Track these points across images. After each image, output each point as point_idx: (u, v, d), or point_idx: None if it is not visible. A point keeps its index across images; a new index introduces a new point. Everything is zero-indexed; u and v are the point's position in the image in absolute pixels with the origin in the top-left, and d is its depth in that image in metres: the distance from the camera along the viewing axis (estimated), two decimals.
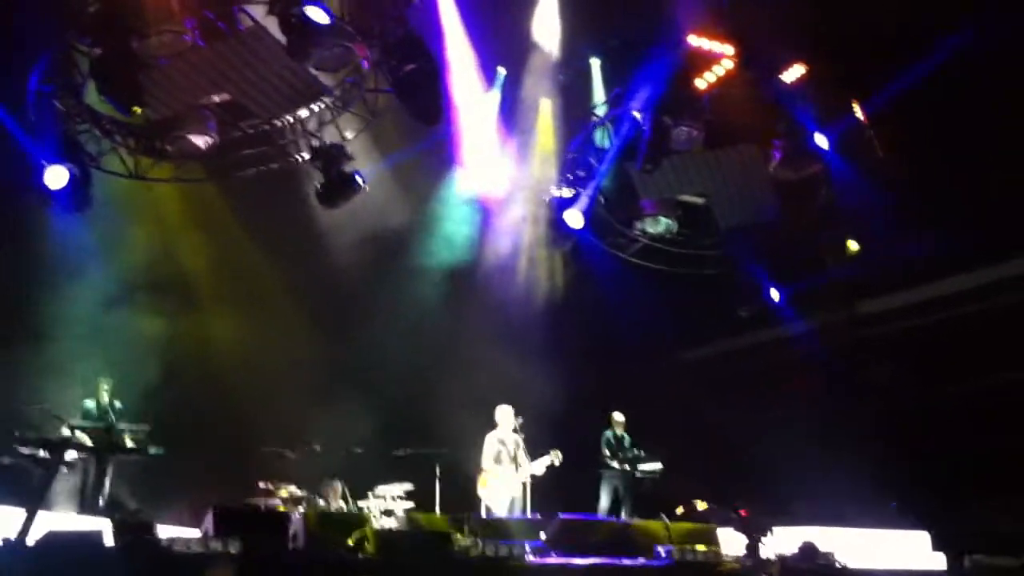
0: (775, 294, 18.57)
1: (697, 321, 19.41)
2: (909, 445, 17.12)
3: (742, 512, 14.22)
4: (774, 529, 13.36)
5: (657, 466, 15.77)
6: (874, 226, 17.68)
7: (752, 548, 12.98)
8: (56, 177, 13.65)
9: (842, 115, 17.16)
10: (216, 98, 15.03)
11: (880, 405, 18.19)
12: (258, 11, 14.22)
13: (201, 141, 14.91)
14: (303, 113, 15.93)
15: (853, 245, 17.71)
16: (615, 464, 15.80)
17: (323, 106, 15.92)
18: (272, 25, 13.96)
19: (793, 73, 16.79)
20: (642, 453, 15.83)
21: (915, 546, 15.09)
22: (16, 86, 13.66)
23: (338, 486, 14.69)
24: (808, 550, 12.43)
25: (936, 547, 15.00)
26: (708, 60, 16.54)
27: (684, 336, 19.92)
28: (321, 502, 14.26)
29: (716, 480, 16.20)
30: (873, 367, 18.81)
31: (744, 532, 13.49)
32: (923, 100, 15.86)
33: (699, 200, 18.23)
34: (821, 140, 16.76)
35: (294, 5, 13.29)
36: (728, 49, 16.45)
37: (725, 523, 14.07)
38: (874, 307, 19.32)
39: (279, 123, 15.99)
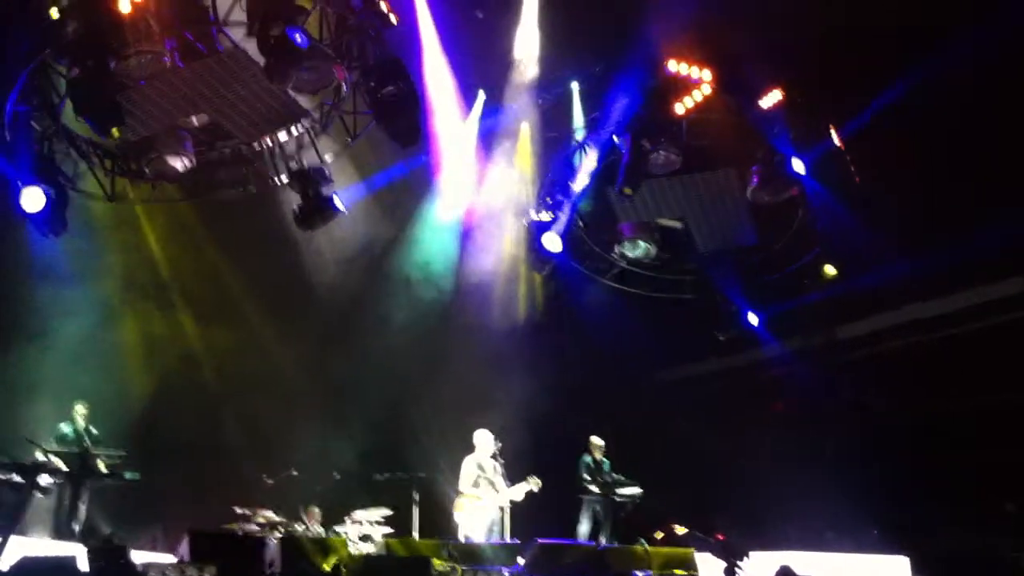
0: (753, 318, 18.57)
1: (676, 345, 19.42)
2: (888, 468, 17.14)
3: (719, 536, 14.20)
4: (752, 553, 13.32)
5: (636, 490, 15.77)
6: (851, 250, 17.71)
7: (730, 572, 12.92)
8: (32, 199, 13.55)
9: (819, 140, 17.22)
10: (194, 119, 15.01)
11: (859, 428, 18.21)
12: (237, 33, 14.15)
13: (178, 162, 14.88)
14: (282, 135, 15.91)
15: (830, 269, 17.75)
16: (594, 488, 15.77)
17: (302, 128, 15.90)
18: (251, 47, 13.90)
19: (771, 98, 16.83)
20: (621, 477, 15.82)
21: (894, 570, 15.06)
22: None
23: (316, 511, 14.62)
24: (784, 574, 12.38)
25: (915, 571, 14.99)
26: (686, 85, 16.56)
27: (663, 359, 19.92)
28: (298, 527, 14.15)
29: (695, 503, 16.20)
30: (852, 390, 18.84)
31: (722, 556, 13.43)
32: (899, 123, 15.96)
33: (677, 224, 18.24)
34: (798, 165, 16.80)
35: (273, 27, 13.19)
36: (706, 74, 16.49)
37: (703, 547, 14.02)
38: (852, 330, 19.35)
39: (257, 145, 15.97)
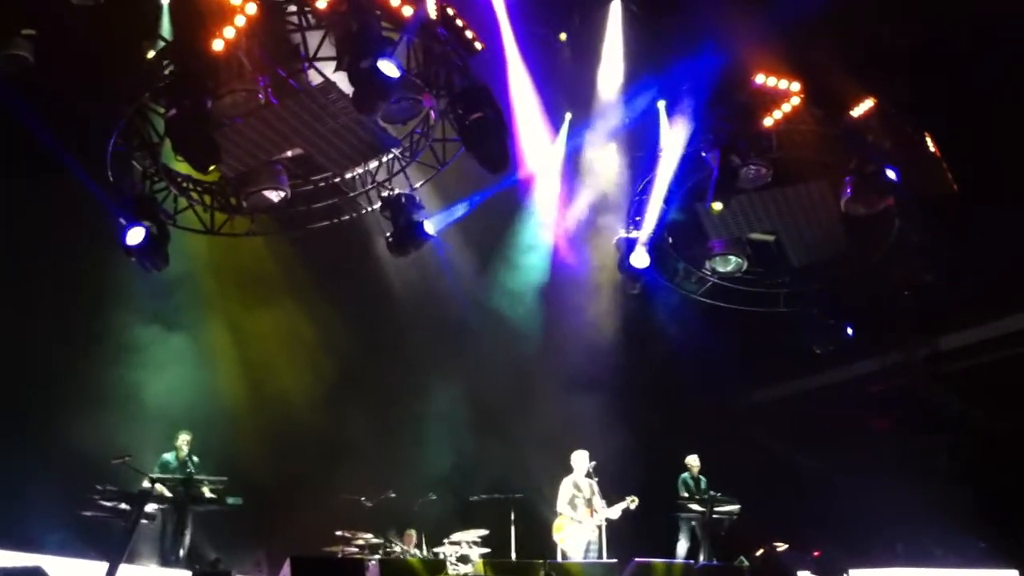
0: (848, 330, 18.29)
1: (772, 361, 19.21)
2: (996, 481, 16.73)
3: (815, 553, 14.07)
4: (850, 570, 13.18)
5: (735, 507, 15.67)
6: (950, 258, 17.37)
7: None
8: (134, 236, 14.08)
9: (913, 148, 16.93)
10: (288, 153, 15.39)
11: (963, 441, 17.81)
12: (327, 67, 14.49)
13: (274, 195, 15.24)
14: (372, 164, 16.27)
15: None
16: (693, 506, 15.73)
17: (392, 157, 16.22)
18: (341, 80, 14.23)
19: (862, 107, 16.63)
20: (719, 495, 15.74)
21: None
22: (95, 147, 14.15)
23: (412, 534, 14.83)
24: None
25: None
26: (774, 98, 16.49)
27: (759, 375, 19.73)
28: (397, 549, 14.37)
29: (794, 521, 15.99)
30: (956, 402, 18.43)
31: (818, 573, 13.32)
32: (996, 127, 15.65)
33: (769, 238, 18.08)
34: (891, 174, 16.54)
35: (362, 60, 13.46)
36: (795, 86, 16.38)
37: (800, 565, 13.91)
38: (952, 342, 18.95)
39: (349, 175, 16.35)
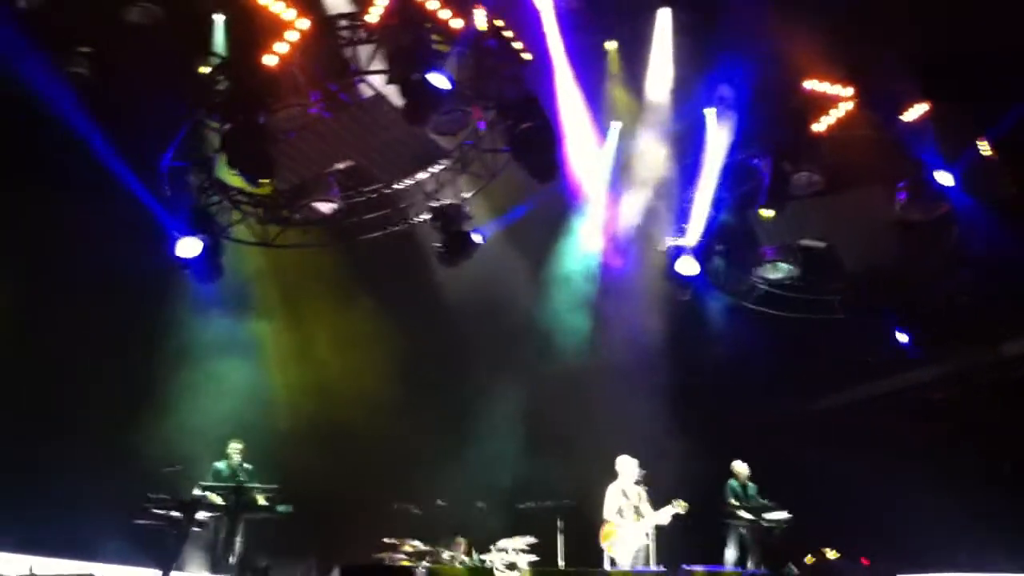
0: (903, 338, 18.12)
1: (824, 368, 19.06)
2: None
3: (864, 561, 14.00)
4: None
5: (784, 515, 15.59)
6: (1009, 263, 17.12)
7: None
8: (189, 248, 14.45)
9: (968, 152, 16.73)
10: (340, 165, 15.65)
11: (1021, 449, 17.53)
12: (377, 80, 14.71)
13: (326, 207, 15.57)
14: (422, 175, 16.47)
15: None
16: (742, 514, 15.70)
17: (442, 168, 16.42)
18: (391, 92, 14.45)
19: (915, 111, 16.46)
20: (768, 502, 15.69)
21: None
22: (151, 163, 14.53)
23: (462, 541, 14.97)
24: None
25: None
26: (826, 103, 16.40)
27: (811, 384, 19.58)
28: (445, 556, 14.52)
29: (843, 530, 15.89)
30: (1011, 411, 18.13)
31: None
32: None
33: (821, 244, 17.96)
34: (947, 179, 16.35)
35: (413, 72, 13.65)
36: (847, 91, 16.28)
37: (850, 573, 13.86)
38: (1011, 349, 18.65)
39: (399, 186, 16.57)
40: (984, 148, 16.78)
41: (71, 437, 13.82)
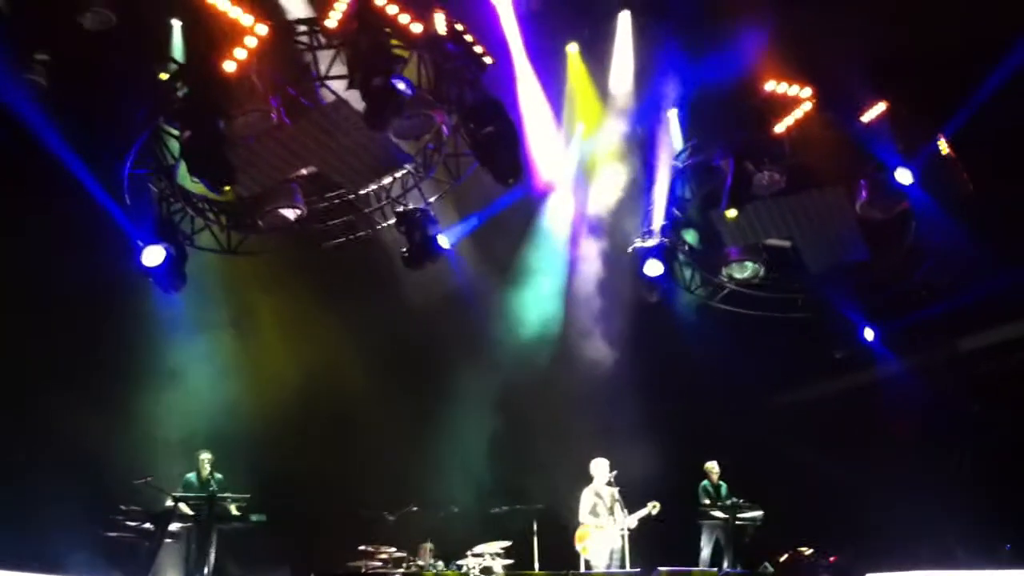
0: (869, 334, 18.26)
1: (790, 366, 19.13)
2: (1019, 483, 16.62)
3: (831, 558, 14.04)
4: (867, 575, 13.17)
5: (758, 514, 15.61)
6: (968, 260, 17.31)
7: None
8: (153, 257, 14.22)
9: (926, 150, 16.91)
10: (303, 171, 15.52)
11: (988, 443, 17.69)
12: (338, 86, 14.59)
13: (290, 213, 15.42)
14: (386, 180, 16.39)
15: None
16: (715, 513, 15.69)
17: (405, 172, 16.34)
18: (353, 98, 14.33)
19: (874, 111, 16.62)
20: (741, 501, 15.69)
21: None
22: (112, 170, 14.30)
23: (427, 547, 14.84)
24: None
25: None
26: (786, 103, 16.49)
27: (777, 381, 19.65)
28: (420, 562, 14.38)
29: (815, 527, 15.92)
30: (977, 405, 18.32)
31: None
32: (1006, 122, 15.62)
33: (786, 243, 18.05)
34: (906, 177, 16.50)
35: (373, 77, 13.55)
36: (805, 91, 16.38)
37: (818, 571, 13.92)
38: (973, 344, 18.85)
39: (363, 191, 16.47)
40: (942, 147, 16.97)
41: (38, 449, 13.53)
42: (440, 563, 14.51)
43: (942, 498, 16.25)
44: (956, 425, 17.81)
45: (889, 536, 16.21)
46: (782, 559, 15.09)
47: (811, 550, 15.18)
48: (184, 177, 14.84)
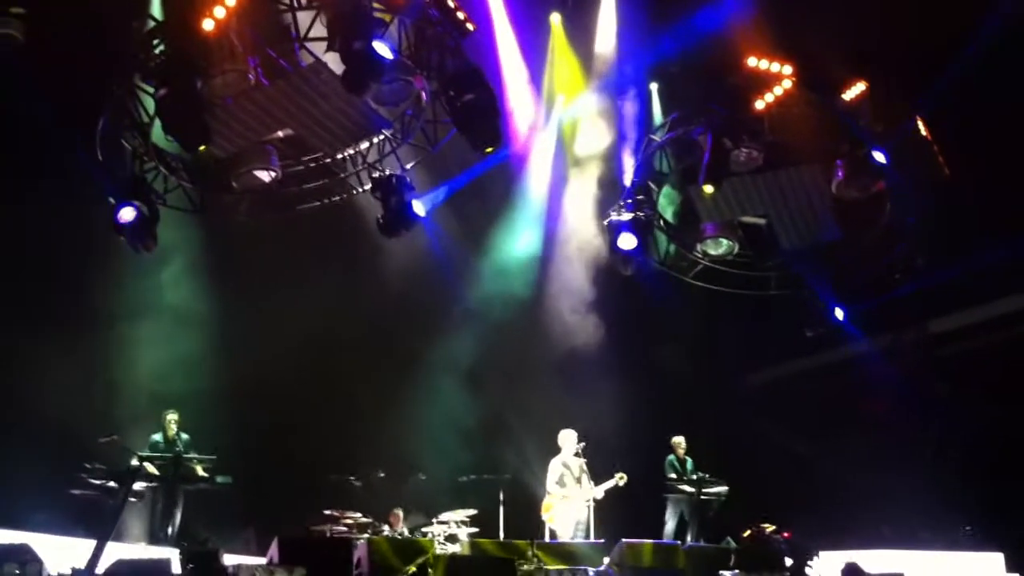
0: (840, 313, 18.36)
1: (763, 343, 19.23)
2: (982, 466, 16.80)
3: (786, 535, 14.18)
4: (821, 552, 13.32)
5: (722, 489, 15.71)
6: (941, 242, 17.41)
7: (797, 571, 12.90)
8: (125, 215, 14.08)
9: (903, 131, 16.93)
10: (279, 133, 15.40)
11: (951, 425, 17.84)
12: (318, 48, 14.46)
13: (265, 176, 15.35)
14: (363, 145, 16.30)
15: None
16: (681, 487, 15.78)
17: (383, 138, 16.25)
18: (333, 61, 14.21)
19: (853, 91, 16.62)
20: (707, 476, 15.79)
21: (988, 567, 14.86)
22: (87, 127, 14.14)
23: (399, 513, 14.92)
24: (851, 571, 12.24)
25: (1010, 568, 14.75)
26: (767, 81, 16.45)
27: (750, 358, 19.76)
28: (386, 529, 14.43)
29: (781, 504, 16.05)
30: (946, 386, 18.45)
31: (790, 555, 13.44)
32: (983, 104, 15.67)
33: (761, 221, 18.08)
34: (881, 157, 16.53)
35: (354, 41, 13.42)
36: (786, 69, 16.35)
37: (772, 545, 14.07)
38: (945, 325, 18.99)
39: (340, 156, 16.39)
40: (920, 128, 17.01)
41: (2, 406, 13.43)
42: (405, 529, 14.60)
43: (907, 478, 16.41)
44: (923, 406, 17.94)
45: (852, 515, 16.37)
46: (745, 534, 15.19)
47: (773, 527, 15.29)
48: (158, 136, 14.68)
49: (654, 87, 17.68)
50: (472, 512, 14.44)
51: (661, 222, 18.30)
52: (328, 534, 13.66)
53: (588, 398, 16.63)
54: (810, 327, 18.73)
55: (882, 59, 16.42)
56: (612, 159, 17.98)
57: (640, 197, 17.91)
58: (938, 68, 15.97)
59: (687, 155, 17.63)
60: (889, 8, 15.68)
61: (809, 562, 13.16)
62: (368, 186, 16.30)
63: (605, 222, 17.58)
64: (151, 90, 14.02)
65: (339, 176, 16.70)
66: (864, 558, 13.02)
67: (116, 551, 10.21)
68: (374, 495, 14.84)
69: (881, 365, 18.78)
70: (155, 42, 13.77)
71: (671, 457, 16.01)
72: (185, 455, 13.74)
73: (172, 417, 14.26)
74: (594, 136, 17.91)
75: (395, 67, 14.13)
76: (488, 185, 17.57)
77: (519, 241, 18.43)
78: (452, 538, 14.08)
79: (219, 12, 12.98)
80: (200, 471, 13.56)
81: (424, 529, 14.36)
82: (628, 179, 17.83)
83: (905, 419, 17.94)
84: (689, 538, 15.33)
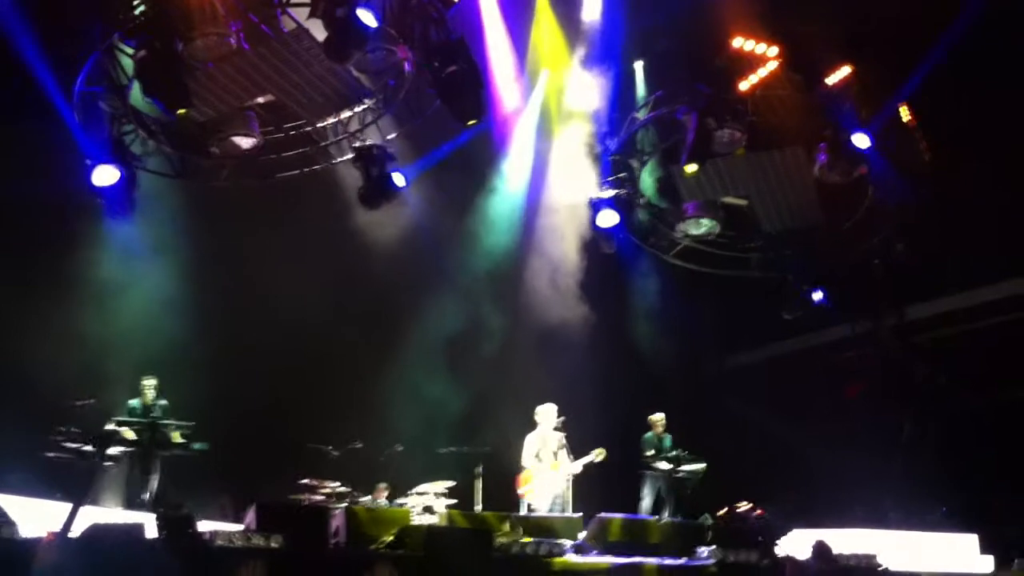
0: (819, 296, 18.39)
1: (742, 325, 19.28)
2: (957, 448, 16.92)
3: (758, 512, 14.20)
4: (792, 530, 13.34)
5: (700, 466, 15.68)
6: (921, 228, 17.46)
7: (767, 548, 12.90)
8: (104, 177, 13.92)
9: (887, 117, 16.95)
10: (260, 99, 15.22)
11: (929, 409, 17.95)
12: (301, 14, 14.29)
13: (245, 142, 15.22)
14: (345, 114, 16.14)
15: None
16: (658, 464, 15.73)
17: (365, 107, 16.09)
18: (316, 28, 14.05)
19: (838, 75, 16.59)
20: (685, 453, 15.75)
21: (963, 549, 14.94)
22: (63, 87, 13.90)
23: (384, 487, 14.84)
24: (820, 550, 12.24)
25: (984, 550, 14.84)
26: (752, 62, 16.38)
27: (729, 339, 19.79)
28: (363, 499, 14.32)
29: (757, 483, 16.06)
30: (923, 372, 18.55)
31: (761, 532, 13.44)
32: (967, 93, 15.70)
33: (742, 202, 18.08)
34: (864, 142, 16.52)
35: (338, 7, 13.28)
36: (772, 50, 16.29)
37: (745, 522, 14.07)
38: (922, 311, 19.08)
39: (321, 124, 16.21)
40: (904, 114, 17.03)
41: None
42: (384, 501, 14.49)
43: (883, 460, 16.48)
44: (900, 390, 18.01)
45: (828, 495, 16.41)
46: (720, 512, 15.19)
47: (749, 504, 15.30)
48: (136, 98, 14.47)
49: (638, 65, 17.59)
50: (450, 484, 14.33)
51: (642, 200, 18.25)
52: (305, 502, 13.52)
53: (568, 373, 16.54)
54: (788, 310, 18.77)
55: (869, 43, 16.40)
56: (594, 136, 17.87)
57: (622, 175, 17.90)
58: (923, 53, 16.00)
59: (670, 134, 17.58)
60: None
61: (779, 540, 13.15)
62: (349, 156, 16.16)
63: (586, 199, 17.51)
64: (130, 51, 13.83)
65: (320, 145, 16.54)
66: (838, 537, 13.06)
67: (91, 515, 10.03)
68: (353, 465, 14.69)
69: (859, 349, 18.86)
70: (135, 2, 13.54)
71: (649, 434, 15.94)
72: (162, 421, 13.56)
73: (150, 383, 14.02)
74: (577, 112, 17.79)
75: (378, 36, 13.98)
76: (470, 157, 17.49)
77: (500, 214, 18.29)
78: (429, 509, 13.97)
79: None
80: (177, 437, 13.38)
81: (401, 500, 14.24)
82: (611, 157, 17.79)
83: (882, 402, 18.01)
84: (666, 514, 15.29)
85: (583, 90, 17.50)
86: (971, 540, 14.99)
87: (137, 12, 13.50)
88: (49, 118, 13.89)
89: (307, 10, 13.99)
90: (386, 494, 14.87)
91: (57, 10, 13.51)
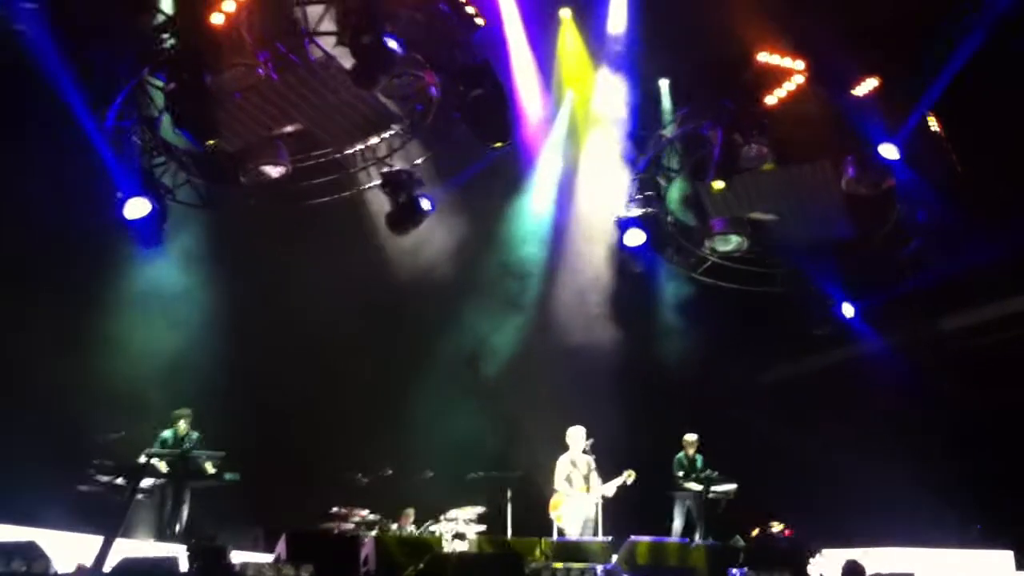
0: (849, 310, 18.29)
1: (771, 341, 19.17)
2: (994, 464, 16.74)
3: (787, 532, 14.13)
4: (826, 550, 13.27)
5: (731, 487, 15.63)
6: (953, 240, 17.32)
7: (799, 568, 12.84)
8: (136, 209, 14.13)
9: (915, 128, 16.85)
10: (288, 128, 15.36)
11: (964, 423, 17.75)
12: (328, 42, 14.42)
13: (274, 171, 15.31)
14: (373, 140, 16.25)
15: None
16: (689, 485, 15.73)
17: (392, 133, 16.20)
18: (341, 55, 14.17)
19: (865, 86, 16.51)
20: (716, 474, 15.72)
21: (999, 565, 14.83)
22: (95, 121, 14.09)
23: (410, 513, 14.90)
24: (852, 569, 12.17)
25: (1020, 566, 14.72)
26: (778, 76, 16.35)
27: (758, 356, 19.68)
28: (393, 526, 14.40)
29: (789, 502, 15.99)
30: (956, 385, 18.35)
31: (792, 553, 13.37)
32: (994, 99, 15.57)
33: (770, 217, 18.02)
34: (893, 153, 16.43)
35: (364, 35, 13.40)
36: (798, 64, 16.25)
37: (775, 543, 14.03)
38: (953, 323, 18.90)
39: (349, 151, 16.34)
40: (932, 124, 16.92)
41: (13, 401, 13.35)
42: (412, 527, 14.57)
43: (916, 476, 16.33)
44: (934, 405, 17.83)
45: (861, 513, 16.30)
46: (753, 533, 15.15)
47: (780, 525, 15.26)
48: (167, 130, 14.67)
49: (664, 82, 17.59)
50: (480, 510, 14.38)
51: (670, 218, 18.24)
52: (336, 531, 13.62)
53: (597, 395, 16.53)
54: (818, 325, 18.69)
55: (894, 53, 16.31)
56: (621, 154, 17.88)
57: (649, 193, 17.91)
58: (949, 62, 15.89)
59: (696, 151, 17.56)
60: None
61: (811, 560, 13.09)
62: (377, 181, 16.27)
63: (613, 218, 17.53)
64: (160, 84, 14.03)
65: (348, 171, 16.67)
66: (873, 556, 13.00)
67: (124, 548, 10.16)
68: (383, 492, 14.77)
69: (891, 363, 18.70)
70: (165, 36, 13.73)
71: (680, 455, 15.96)
72: (194, 451, 13.70)
73: (183, 414, 14.23)
74: (602, 131, 17.81)
75: (404, 61, 14.08)
76: (496, 180, 17.53)
77: (527, 236, 18.35)
78: (460, 536, 14.03)
79: (228, 6, 13.00)
80: (209, 468, 13.53)
81: (432, 527, 14.31)
82: (637, 175, 17.80)
83: (915, 418, 17.84)
84: (697, 536, 15.28)
85: (609, 106, 17.50)
86: (1007, 557, 14.87)
87: (167, 46, 13.70)
88: (82, 148, 14.08)
89: (334, 39, 14.15)
90: (412, 520, 14.94)
91: (90, 45, 13.70)
